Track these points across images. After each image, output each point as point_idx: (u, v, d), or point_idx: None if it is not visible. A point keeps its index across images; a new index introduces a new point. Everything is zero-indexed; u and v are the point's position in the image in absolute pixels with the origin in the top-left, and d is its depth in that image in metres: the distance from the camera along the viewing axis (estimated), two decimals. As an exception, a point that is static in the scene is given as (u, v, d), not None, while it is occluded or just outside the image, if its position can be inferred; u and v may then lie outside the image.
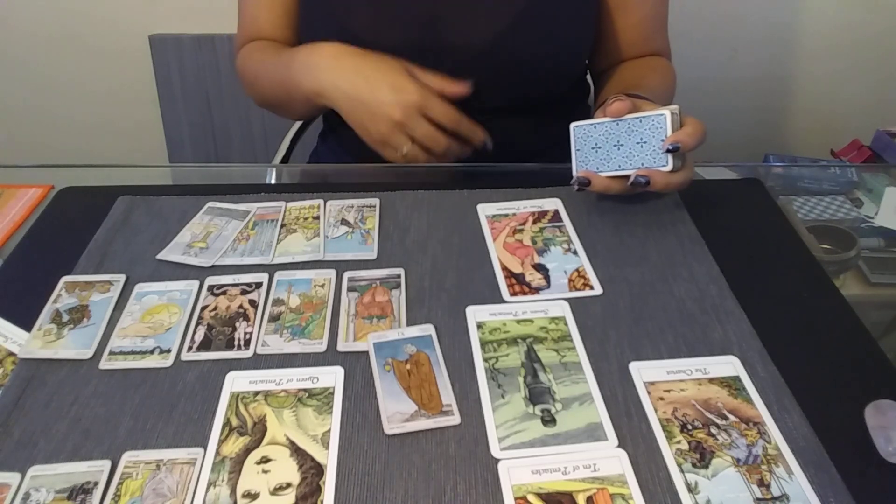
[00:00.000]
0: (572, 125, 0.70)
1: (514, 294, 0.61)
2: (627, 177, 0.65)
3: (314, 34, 0.81)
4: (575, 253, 0.65)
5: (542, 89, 0.83)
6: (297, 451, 0.48)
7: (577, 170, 0.69)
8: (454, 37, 0.77)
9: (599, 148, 0.67)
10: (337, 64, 0.73)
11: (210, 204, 0.72)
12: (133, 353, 0.55)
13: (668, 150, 0.63)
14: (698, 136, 0.64)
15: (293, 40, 0.88)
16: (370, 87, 0.71)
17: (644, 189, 0.66)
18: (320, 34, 0.80)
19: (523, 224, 0.69)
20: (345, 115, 0.74)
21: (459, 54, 0.78)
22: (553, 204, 0.71)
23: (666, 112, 0.64)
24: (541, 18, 0.77)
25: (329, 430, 0.49)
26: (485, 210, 0.71)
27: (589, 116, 0.75)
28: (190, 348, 0.56)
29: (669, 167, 0.64)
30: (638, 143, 0.65)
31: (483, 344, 0.56)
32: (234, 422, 0.50)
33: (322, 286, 0.62)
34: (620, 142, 0.66)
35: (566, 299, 0.60)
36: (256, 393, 0.52)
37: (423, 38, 0.77)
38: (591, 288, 0.61)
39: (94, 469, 0.46)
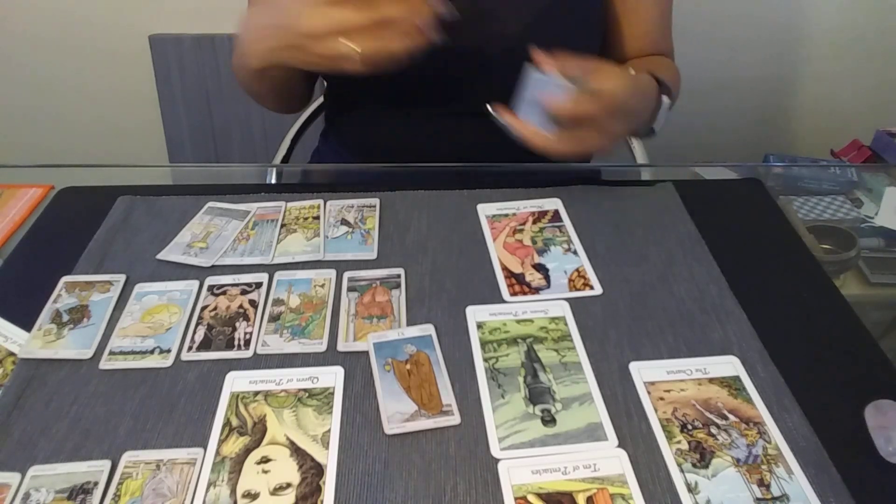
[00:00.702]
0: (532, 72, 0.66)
1: (514, 294, 0.61)
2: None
3: None
4: (575, 253, 0.65)
5: None
6: (297, 451, 0.48)
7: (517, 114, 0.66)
8: (468, 41, 0.77)
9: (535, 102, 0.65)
10: (252, 29, 0.69)
11: (210, 204, 0.72)
12: (133, 353, 0.55)
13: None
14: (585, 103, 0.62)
15: None
16: (279, 25, 0.65)
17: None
18: None
19: (523, 224, 0.69)
20: (299, 65, 0.67)
21: (474, 58, 0.78)
22: (553, 204, 0.71)
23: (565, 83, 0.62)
24: (554, 22, 0.77)
25: (329, 430, 0.49)
26: (485, 210, 0.71)
27: None
28: (190, 348, 0.56)
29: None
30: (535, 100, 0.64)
31: (483, 344, 0.56)
32: (234, 422, 0.50)
33: (322, 286, 0.62)
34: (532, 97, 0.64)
35: (566, 299, 0.60)
36: (256, 393, 0.52)
37: (437, 42, 0.77)
38: (591, 288, 0.61)
39: (94, 469, 0.46)
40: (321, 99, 1.13)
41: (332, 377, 0.53)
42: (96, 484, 0.46)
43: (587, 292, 0.61)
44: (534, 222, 0.69)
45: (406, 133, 0.86)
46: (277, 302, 0.60)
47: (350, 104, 0.90)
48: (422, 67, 0.78)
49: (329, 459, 0.47)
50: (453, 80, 0.79)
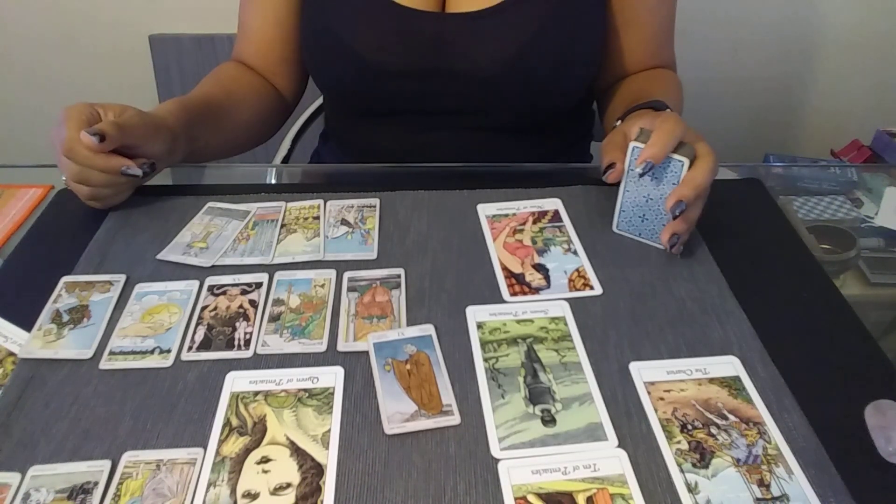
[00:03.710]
0: (616, 230, 0.67)
1: (514, 294, 0.61)
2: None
3: (322, 56, 0.81)
4: (575, 253, 0.65)
5: (548, 109, 0.82)
6: (297, 451, 0.48)
7: (662, 238, 0.63)
8: (462, 60, 0.76)
9: (645, 217, 0.65)
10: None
11: (210, 204, 0.72)
12: (133, 353, 0.55)
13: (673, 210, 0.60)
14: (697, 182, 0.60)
15: (284, 53, 0.86)
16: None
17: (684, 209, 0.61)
18: (328, 56, 0.80)
19: (523, 224, 0.69)
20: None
21: (467, 77, 0.77)
22: (553, 204, 0.71)
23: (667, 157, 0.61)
24: (551, 41, 0.75)
25: (329, 430, 0.49)
26: (485, 210, 0.71)
27: (591, 132, 0.72)
28: (190, 348, 0.56)
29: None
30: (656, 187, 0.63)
31: (483, 344, 0.56)
32: (234, 422, 0.50)
33: (322, 286, 0.62)
34: (649, 196, 0.64)
35: (566, 299, 0.60)
36: (256, 393, 0.52)
37: (429, 62, 0.76)
38: (591, 288, 0.61)
39: (94, 469, 0.46)
40: (321, 100, 1.14)
41: (332, 377, 0.53)
42: (96, 484, 0.46)
43: (587, 292, 0.61)
44: (534, 222, 0.69)
45: (405, 144, 0.85)
46: (277, 302, 0.60)
47: (349, 115, 0.90)
48: (420, 84, 0.78)
49: (329, 459, 0.47)
50: (452, 97, 0.79)
